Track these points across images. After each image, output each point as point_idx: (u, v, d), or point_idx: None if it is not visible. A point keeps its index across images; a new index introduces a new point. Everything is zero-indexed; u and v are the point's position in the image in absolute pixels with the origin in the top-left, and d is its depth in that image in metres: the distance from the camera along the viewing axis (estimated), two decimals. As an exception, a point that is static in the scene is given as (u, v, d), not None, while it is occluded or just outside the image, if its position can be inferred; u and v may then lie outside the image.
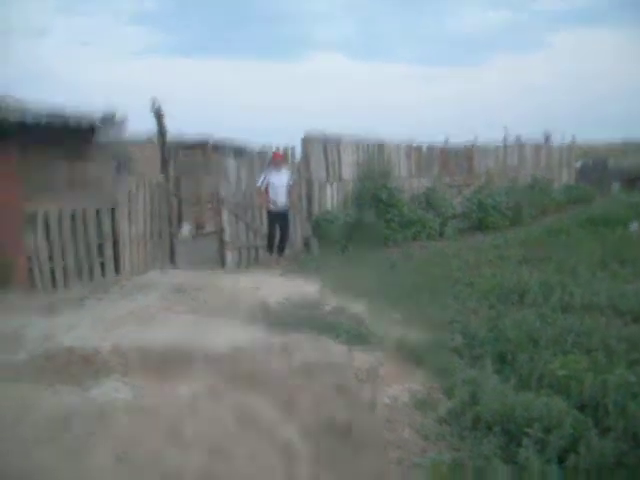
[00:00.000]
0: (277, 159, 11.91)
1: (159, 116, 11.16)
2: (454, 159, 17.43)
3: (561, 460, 3.80)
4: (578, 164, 27.03)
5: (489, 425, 4.23)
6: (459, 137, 18.00)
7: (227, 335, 5.80)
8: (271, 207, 11.57)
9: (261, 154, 13.26)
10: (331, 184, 14.04)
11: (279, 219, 11.69)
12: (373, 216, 13.77)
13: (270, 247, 11.91)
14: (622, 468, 3.76)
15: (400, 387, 4.96)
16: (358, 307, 7.48)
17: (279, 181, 11.54)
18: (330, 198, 14.07)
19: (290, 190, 11.90)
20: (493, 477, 3.49)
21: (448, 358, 5.54)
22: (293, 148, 13.55)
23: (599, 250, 11.03)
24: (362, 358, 5.39)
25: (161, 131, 11.39)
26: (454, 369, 5.24)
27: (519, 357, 5.44)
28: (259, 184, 11.59)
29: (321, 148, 13.93)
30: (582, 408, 4.45)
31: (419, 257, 11.78)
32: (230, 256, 12.17)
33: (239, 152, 13.71)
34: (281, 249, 11.91)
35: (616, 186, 25.58)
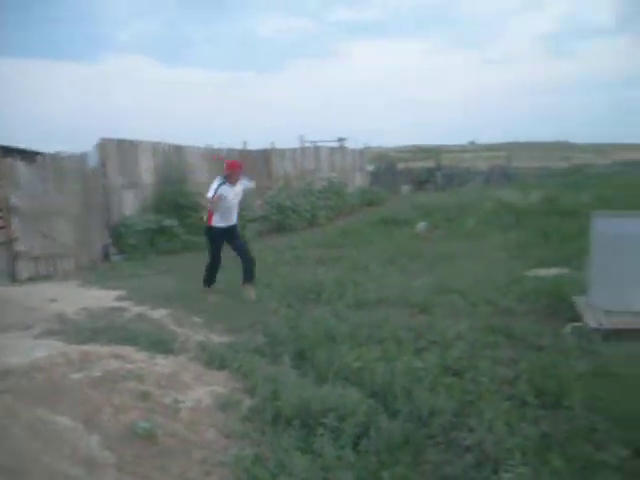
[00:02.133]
0: (236, 169, 8.75)
1: None
2: (253, 163, 17.74)
3: (355, 445, 4.05)
4: (371, 168, 28.79)
5: (289, 419, 4.38)
6: (258, 141, 18.41)
7: (21, 350, 5.47)
8: (220, 225, 8.67)
9: (55, 159, 12.55)
10: (129, 189, 13.71)
11: (230, 237, 8.82)
12: (174, 221, 13.65)
13: (210, 277, 8.99)
14: (409, 446, 4.08)
15: (203, 390, 4.98)
16: (159, 313, 7.43)
17: (234, 195, 8.70)
18: (129, 204, 13.73)
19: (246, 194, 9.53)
20: (292, 467, 3.65)
21: (250, 358, 5.64)
22: (87, 154, 13.04)
23: (390, 248, 11.83)
24: (163, 364, 5.35)
25: None
26: (256, 369, 5.35)
27: (317, 353, 5.66)
28: (210, 196, 8.46)
29: (117, 153, 13.54)
30: (374, 395, 4.76)
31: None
32: (24, 268, 11.43)
33: (31, 157, 12.88)
34: (250, 276, 8.76)
35: (406, 188, 27.57)
